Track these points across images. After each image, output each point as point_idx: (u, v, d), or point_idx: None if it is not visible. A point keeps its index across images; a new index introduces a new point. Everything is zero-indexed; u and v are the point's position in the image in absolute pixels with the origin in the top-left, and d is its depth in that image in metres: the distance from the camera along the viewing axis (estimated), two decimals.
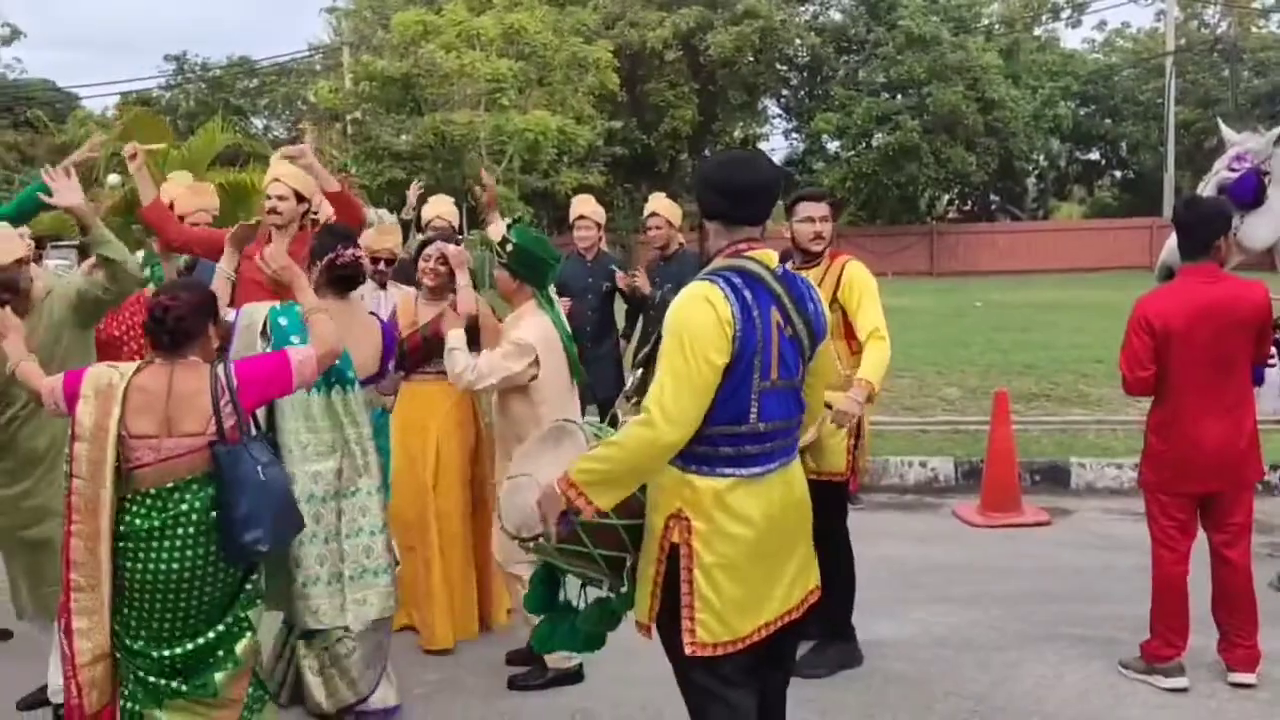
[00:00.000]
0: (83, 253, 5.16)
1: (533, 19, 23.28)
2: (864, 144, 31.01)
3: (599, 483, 2.74)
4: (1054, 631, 4.83)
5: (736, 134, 35.39)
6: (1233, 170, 5.11)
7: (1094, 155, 37.77)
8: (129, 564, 3.11)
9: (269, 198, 4.79)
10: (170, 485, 3.11)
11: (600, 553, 2.94)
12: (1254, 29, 33.64)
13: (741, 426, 2.76)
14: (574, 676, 4.39)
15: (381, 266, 5.30)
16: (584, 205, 6.67)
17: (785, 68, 34.00)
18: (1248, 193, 5.02)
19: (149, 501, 3.12)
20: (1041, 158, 35.77)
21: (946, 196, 36.28)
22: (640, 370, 3.08)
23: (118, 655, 3.17)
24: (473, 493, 4.90)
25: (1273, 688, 4.21)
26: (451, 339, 4.28)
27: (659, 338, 2.84)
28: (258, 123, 35.06)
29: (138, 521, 3.11)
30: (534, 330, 4.24)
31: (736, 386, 2.74)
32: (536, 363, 4.20)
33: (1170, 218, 4.61)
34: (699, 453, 2.77)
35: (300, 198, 4.78)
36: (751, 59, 30.64)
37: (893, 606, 5.20)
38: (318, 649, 3.94)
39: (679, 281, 6.60)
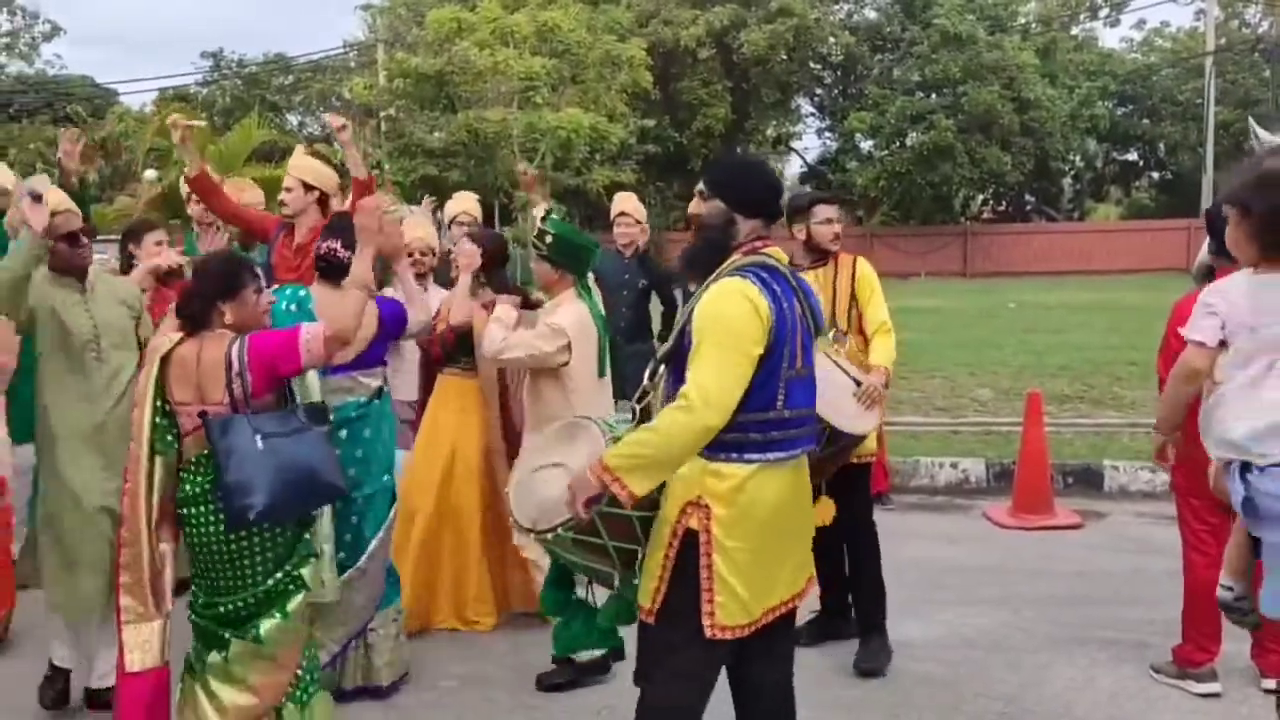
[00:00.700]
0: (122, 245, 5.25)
1: (566, 17, 23.35)
2: (898, 143, 30.83)
3: (638, 468, 2.77)
4: (1085, 635, 4.79)
5: (770, 132, 35.34)
6: None
7: (1131, 156, 37.36)
8: (186, 528, 3.24)
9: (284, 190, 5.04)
10: (206, 452, 3.19)
11: (614, 545, 2.97)
12: None
13: (770, 413, 2.86)
14: (600, 667, 4.41)
15: (417, 258, 5.36)
16: (625, 203, 6.69)
17: (819, 66, 33.87)
18: None
19: (193, 468, 3.23)
20: (1078, 158, 35.45)
21: (981, 197, 35.99)
22: (660, 366, 3.09)
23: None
24: (493, 483, 4.94)
25: None
26: (499, 311, 4.37)
27: (680, 334, 2.91)
28: (293, 119, 35.35)
29: (187, 488, 3.22)
30: (570, 316, 4.31)
31: (769, 375, 2.85)
32: (568, 349, 4.25)
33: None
34: (727, 440, 2.83)
35: (309, 187, 4.91)
36: (785, 57, 30.55)
37: (921, 607, 5.18)
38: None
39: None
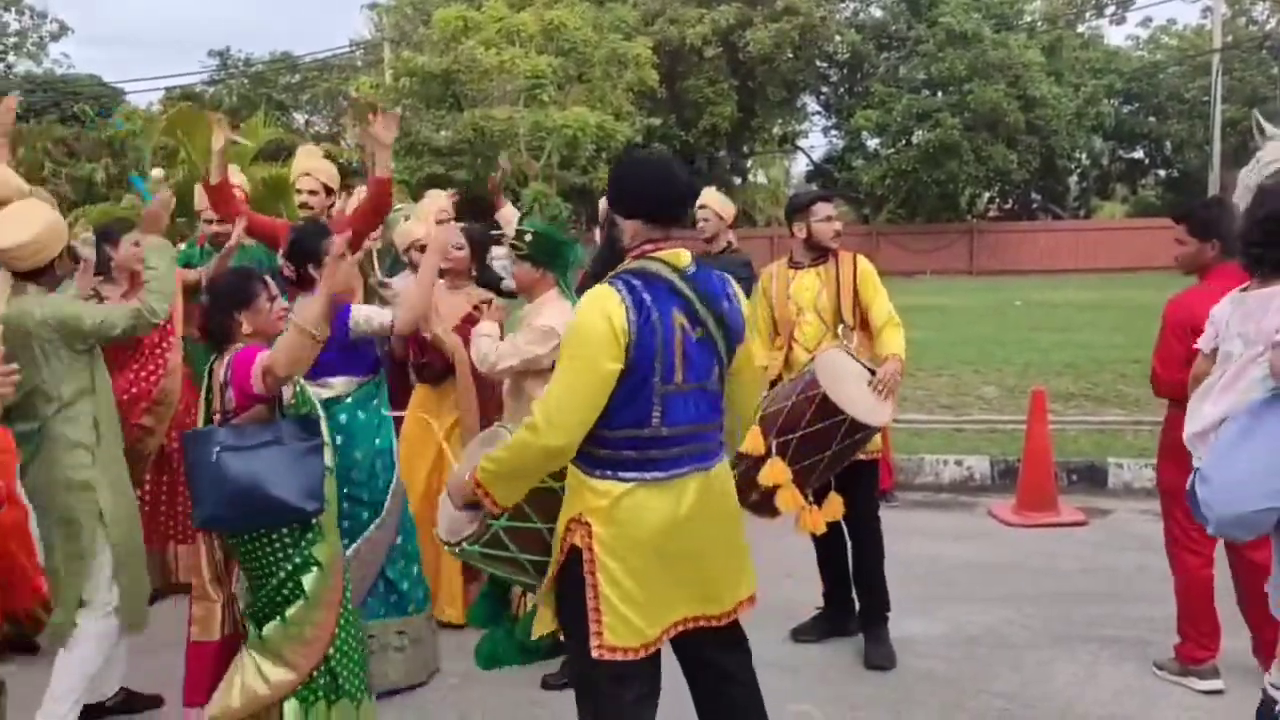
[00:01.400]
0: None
1: (572, 15, 23.35)
2: (904, 141, 30.81)
3: (493, 480, 2.83)
4: (1088, 632, 4.81)
5: (776, 131, 35.32)
6: None
7: (1138, 154, 37.27)
8: None
9: (300, 191, 5.02)
10: None
11: (526, 558, 2.97)
12: None
13: (644, 430, 2.75)
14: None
15: (415, 256, 5.39)
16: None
17: (825, 64, 33.84)
18: None
19: None
20: (1084, 156, 35.37)
21: (987, 195, 35.95)
22: None
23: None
24: None
25: None
26: (483, 327, 4.40)
27: None
28: (299, 118, 35.41)
29: None
30: (558, 316, 4.28)
31: (636, 390, 2.73)
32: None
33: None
34: (601, 456, 2.77)
35: (329, 190, 4.97)
36: (791, 56, 30.51)
37: (924, 604, 5.19)
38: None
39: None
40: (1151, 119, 34.32)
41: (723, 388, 2.89)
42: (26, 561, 4.60)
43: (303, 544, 3.36)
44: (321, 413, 3.53)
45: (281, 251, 4.36)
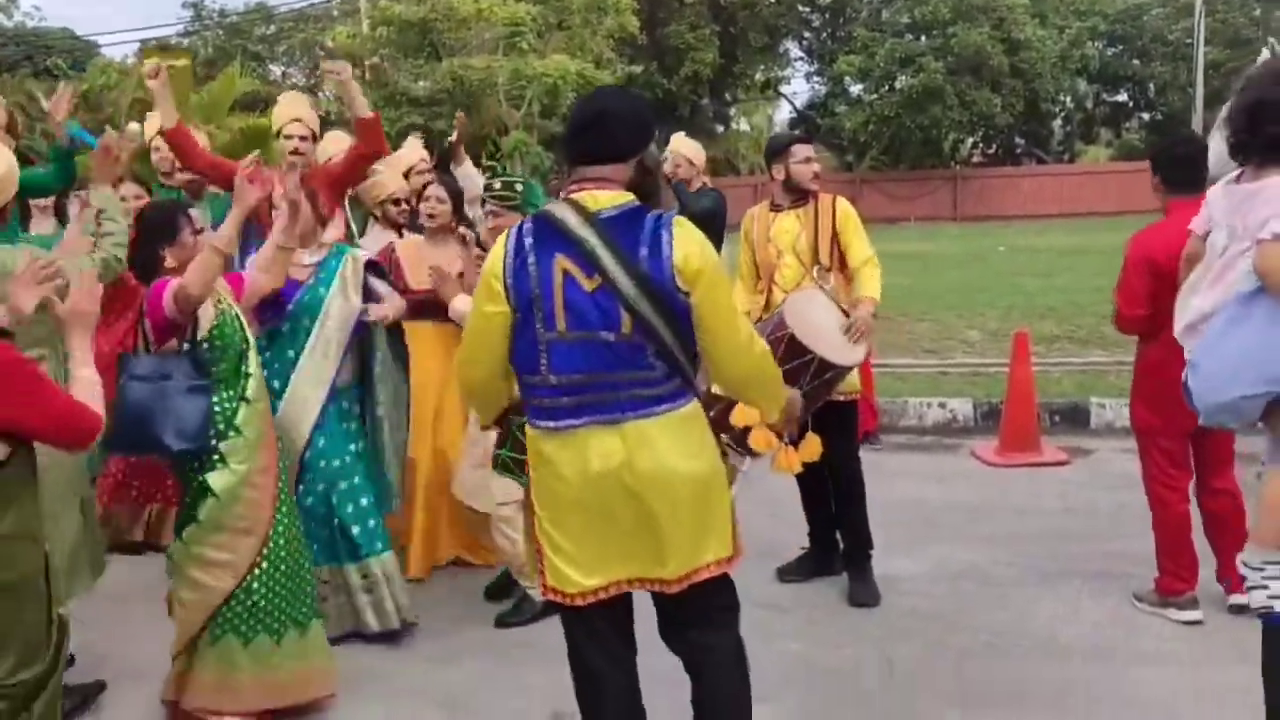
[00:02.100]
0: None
1: None
2: (887, 87, 30.65)
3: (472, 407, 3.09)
4: (1071, 568, 4.87)
5: (758, 77, 35.05)
6: None
7: (1121, 97, 37.18)
8: None
9: (289, 138, 4.92)
10: None
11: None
12: None
13: (535, 377, 2.73)
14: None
15: (403, 206, 5.35)
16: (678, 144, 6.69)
17: (807, 9, 33.55)
18: None
19: None
20: (1068, 99, 35.24)
21: (971, 140, 35.81)
22: None
23: None
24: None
25: None
26: (458, 304, 4.31)
27: None
28: (275, 69, 34.91)
29: None
30: None
31: (521, 336, 2.73)
32: None
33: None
34: (524, 401, 2.83)
35: (315, 138, 4.93)
36: (773, 0, 30.20)
37: (910, 544, 5.25)
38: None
39: (703, 224, 6.66)
40: (1135, 61, 34.19)
41: (652, 340, 2.64)
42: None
43: (192, 471, 3.51)
44: (251, 348, 3.64)
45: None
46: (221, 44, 32.91)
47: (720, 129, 35.50)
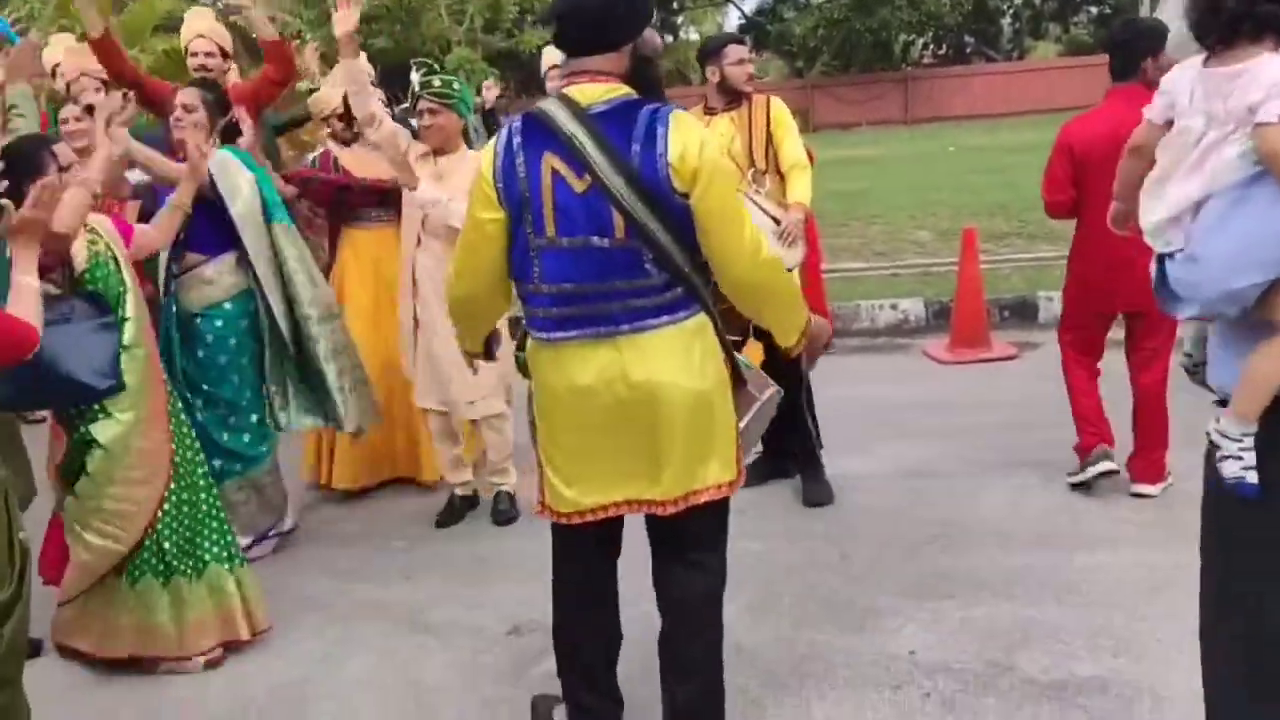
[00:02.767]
0: None
1: None
2: None
3: (456, 329, 2.98)
4: (1018, 459, 4.94)
5: None
6: None
7: None
8: None
9: (195, 54, 4.89)
10: None
11: None
12: None
13: (529, 285, 2.61)
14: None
15: (336, 128, 5.23)
16: (557, 55, 6.48)
17: None
18: None
19: None
20: None
21: (921, 41, 35.49)
22: None
23: None
24: None
25: None
26: (422, 192, 4.31)
27: None
28: None
29: None
30: None
31: (515, 243, 2.59)
32: None
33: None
34: (523, 311, 2.71)
35: (225, 54, 4.86)
36: None
37: (862, 443, 5.30)
38: None
39: None
40: None
41: (648, 245, 2.48)
42: None
43: (79, 423, 3.40)
44: (129, 290, 3.49)
45: None
46: None
47: (669, 39, 34.88)
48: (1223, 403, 2.40)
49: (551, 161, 2.50)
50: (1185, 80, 2.55)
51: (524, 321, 2.73)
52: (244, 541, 4.35)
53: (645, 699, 2.94)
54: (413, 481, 5.14)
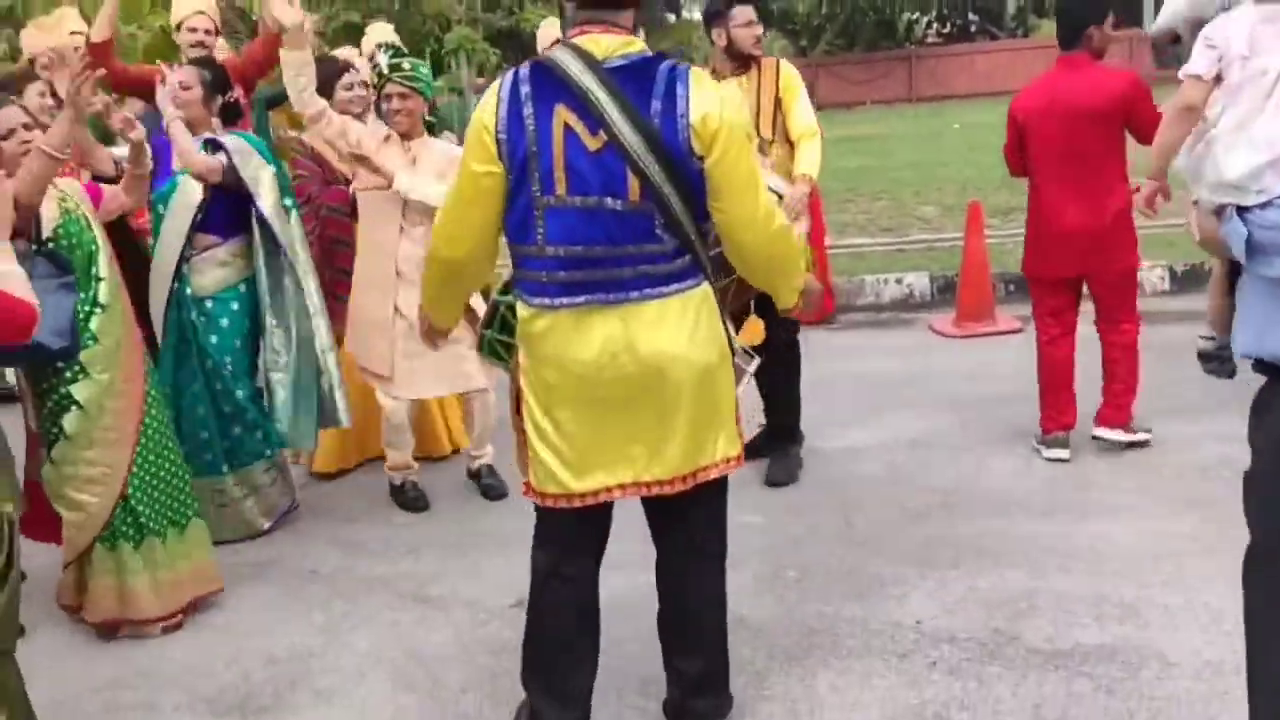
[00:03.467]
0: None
1: None
2: None
3: (428, 303, 2.81)
4: (1023, 429, 4.90)
5: None
6: None
7: None
8: None
9: (194, 30, 4.92)
10: None
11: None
12: None
13: (531, 248, 2.45)
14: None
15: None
16: (554, 27, 6.44)
17: None
18: None
19: None
20: None
21: (925, 19, 35.28)
22: None
23: None
24: None
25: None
26: (401, 181, 4.25)
27: None
28: None
29: None
30: (450, 147, 4.41)
31: (516, 200, 2.43)
32: None
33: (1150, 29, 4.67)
34: (519, 276, 2.54)
35: (217, 30, 4.96)
36: None
37: (867, 415, 5.29)
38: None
39: None
40: None
41: (661, 210, 2.38)
42: None
43: (56, 383, 3.39)
44: (101, 249, 3.48)
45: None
46: None
47: (672, 18, 34.69)
48: (1265, 368, 2.26)
49: (564, 115, 2.36)
50: (1239, 28, 2.46)
51: (518, 287, 2.57)
52: (266, 524, 4.40)
53: (652, 673, 2.93)
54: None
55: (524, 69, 2.43)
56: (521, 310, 2.55)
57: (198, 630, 3.66)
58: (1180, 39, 4.35)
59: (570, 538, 2.66)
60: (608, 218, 2.39)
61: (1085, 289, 4.66)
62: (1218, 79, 2.52)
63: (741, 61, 4.46)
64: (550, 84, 2.37)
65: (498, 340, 2.92)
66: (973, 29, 35.41)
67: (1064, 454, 4.53)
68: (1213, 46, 2.55)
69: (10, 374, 4.63)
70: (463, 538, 4.28)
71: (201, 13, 4.97)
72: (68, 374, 3.39)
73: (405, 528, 4.44)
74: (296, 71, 4.08)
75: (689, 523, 2.67)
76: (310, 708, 3.15)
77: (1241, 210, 2.28)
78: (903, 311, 7.63)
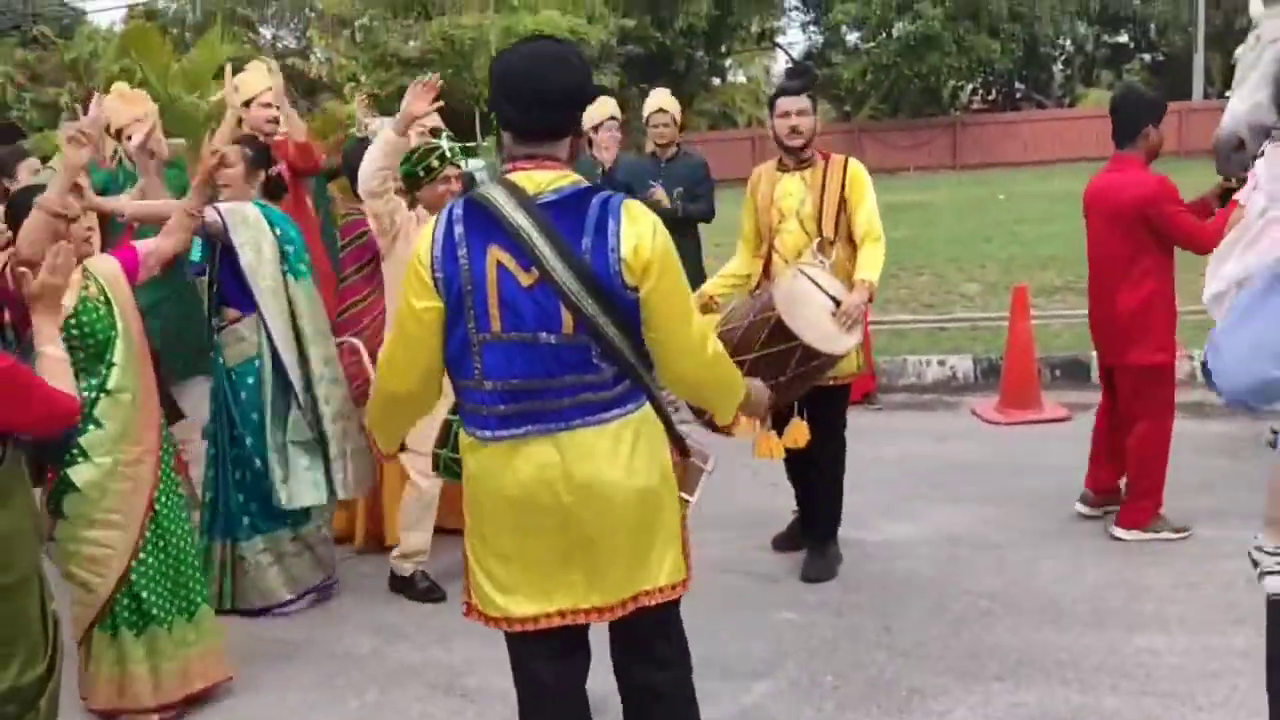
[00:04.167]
0: None
1: None
2: (884, 34, 30.13)
3: (374, 425, 2.76)
4: (1070, 528, 4.81)
5: (753, 28, 34.58)
6: None
7: (1122, 38, 36.60)
8: None
9: (267, 105, 5.21)
10: None
11: None
12: None
13: (468, 381, 2.43)
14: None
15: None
16: (661, 99, 6.59)
17: None
18: None
19: None
20: (1068, 42, 34.72)
21: (970, 86, 35.36)
22: None
23: None
24: None
25: None
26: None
27: None
28: (266, 33, 34.48)
29: None
30: None
31: (453, 334, 2.41)
32: None
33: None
34: (458, 403, 2.55)
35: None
36: None
37: (908, 506, 5.20)
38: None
39: (688, 184, 6.51)
40: (1135, 1, 33.64)
41: (597, 340, 2.36)
42: None
43: (59, 466, 3.38)
44: (120, 337, 3.47)
45: None
46: (210, 8, 32.45)
47: (716, 82, 35.10)
48: None
49: (497, 254, 2.35)
50: (1264, 160, 2.47)
51: (460, 413, 2.55)
52: (288, 595, 4.38)
53: None
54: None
55: (458, 207, 2.43)
56: (463, 437, 2.55)
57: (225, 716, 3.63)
58: (1244, 144, 4.31)
59: (541, 643, 2.57)
60: (544, 351, 2.37)
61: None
62: None
63: (800, 155, 4.34)
64: (483, 222, 2.37)
65: (451, 459, 2.93)
66: (1019, 97, 35.47)
67: (1084, 509, 4.92)
68: (1254, 174, 2.57)
69: None
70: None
71: (270, 88, 5.24)
72: (68, 457, 3.39)
73: (434, 614, 4.39)
74: (387, 154, 4.14)
75: (638, 635, 2.61)
76: None
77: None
78: (945, 394, 7.54)
